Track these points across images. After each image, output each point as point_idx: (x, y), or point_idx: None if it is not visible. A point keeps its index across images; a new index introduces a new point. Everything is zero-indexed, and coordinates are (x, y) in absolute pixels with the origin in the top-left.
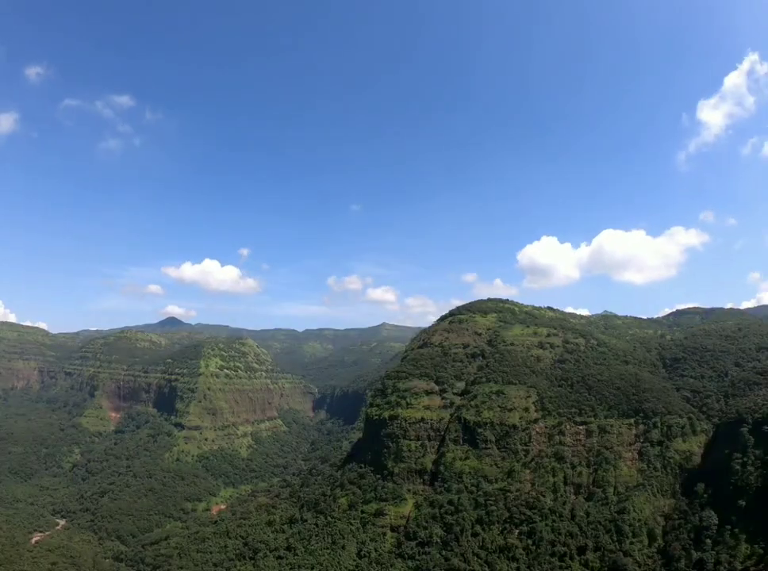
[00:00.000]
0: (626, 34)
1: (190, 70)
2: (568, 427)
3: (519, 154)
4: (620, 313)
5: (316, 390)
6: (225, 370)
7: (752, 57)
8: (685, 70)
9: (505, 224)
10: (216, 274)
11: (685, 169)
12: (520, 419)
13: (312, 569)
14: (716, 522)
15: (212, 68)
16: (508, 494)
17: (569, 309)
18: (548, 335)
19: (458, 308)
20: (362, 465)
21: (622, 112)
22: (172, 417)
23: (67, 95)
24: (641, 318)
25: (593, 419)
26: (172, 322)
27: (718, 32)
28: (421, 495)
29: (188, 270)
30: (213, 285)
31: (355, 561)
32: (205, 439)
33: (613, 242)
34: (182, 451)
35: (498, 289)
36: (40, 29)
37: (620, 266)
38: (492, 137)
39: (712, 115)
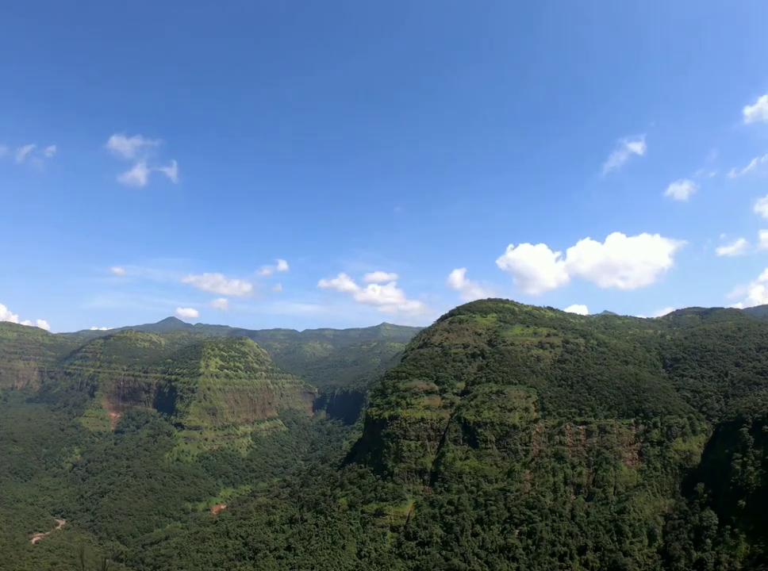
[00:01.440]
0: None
1: (189, 70)
2: (568, 427)
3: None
4: (620, 313)
5: (316, 390)
6: (225, 370)
7: None
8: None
9: (497, 231)
10: (218, 280)
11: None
12: (520, 419)
13: (312, 569)
14: (716, 522)
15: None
16: (508, 494)
17: (568, 309)
18: (548, 335)
19: (458, 308)
20: (362, 465)
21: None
22: (172, 417)
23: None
24: (641, 318)
25: (593, 419)
26: (172, 322)
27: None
28: (421, 495)
29: (190, 276)
30: (214, 290)
31: (355, 561)
32: (205, 439)
33: (590, 251)
34: (182, 451)
35: (490, 294)
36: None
37: (601, 274)
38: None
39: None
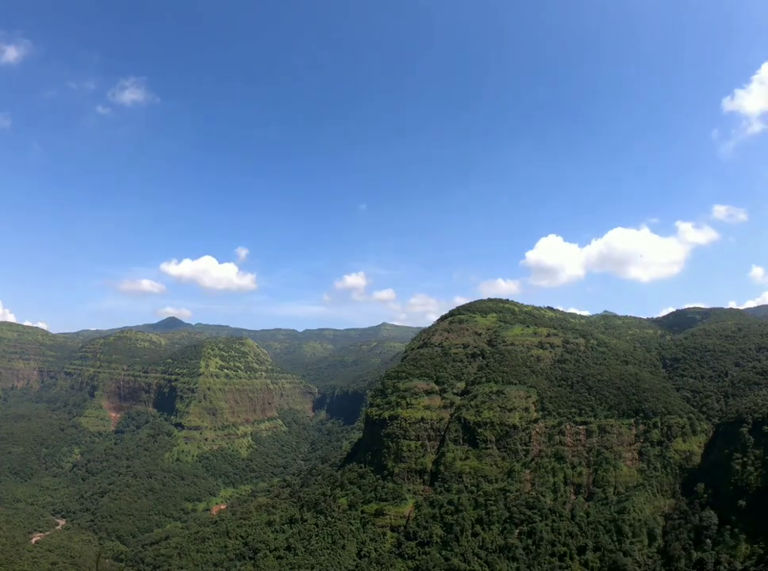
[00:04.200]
0: (634, 31)
1: (195, 66)
2: (568, 427)
3: (525, 152)
4: (620, 313)
5: (316, 390)
6: (225, 370)
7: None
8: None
9: (510, 223)
10: (214, 271)
11: (723, 157)
12: (520, 419)
13: (312, 569)
14: (716, 522)
15: (215, 68)
16: (508, 494)
17: (570, 309)
18: (548, 335)
19: (458, 308)
20: (362, 465)
21: (629, 106)
22: (172, 417)
23: (68, 81)
24: (641, 318)
25: (593, 419)
26: (172, 322)
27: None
28: (421, 495)
29: (187, 269)
30: (212, 284)
31: (355, 561)
32: (205, 439)
33: (622, 240)
34: (182, 451)
35: (501, 288)
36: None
37: (627, 264)
38: (498, 136)
39: (749, 102)
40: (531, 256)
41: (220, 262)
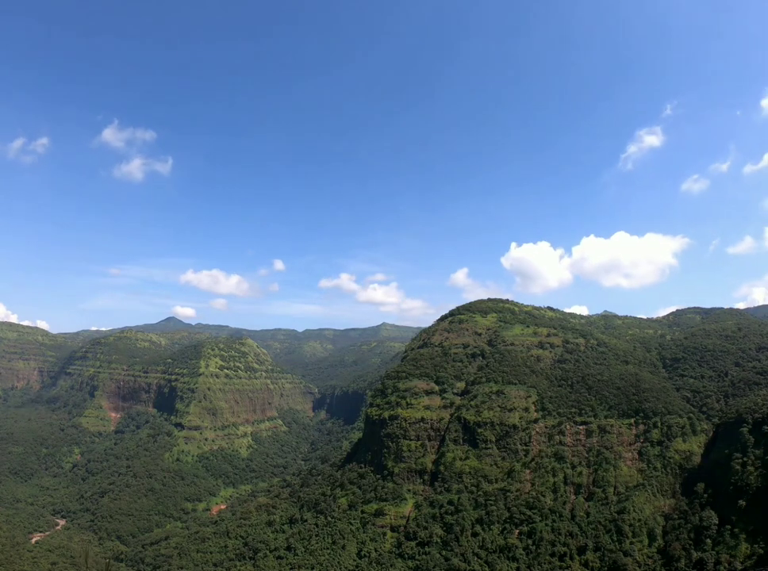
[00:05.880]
0: (616, 40)
1: (188, 69)
2: (568, 427)
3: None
4: (620, 313)
5: (317, 390)
6: (225, 370)
7: None
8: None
9: (500, 229)
10: (218, 279)
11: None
12: (520, 419)
13: (312, 569)
14: (716, 522)
15: (214, 73)
16: (508, 494)
17: (567, 309)
18: (548, 335)
19: (458, 308)
20: (362, 465)
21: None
22: (172, 417)
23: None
24: (641, 318)
25: (593, 419)
26: (172, 322)
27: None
28: (421, 495)
29: (190, 275)
30: (214, 290)
31: (355, 561)
32: (205, 439)
33: (595, 249)
34: (182, 451)
35: (491, 293)
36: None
37: (605, 272)
38: (480, 151)
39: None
40: (516, 260)
41: (224, 268)
